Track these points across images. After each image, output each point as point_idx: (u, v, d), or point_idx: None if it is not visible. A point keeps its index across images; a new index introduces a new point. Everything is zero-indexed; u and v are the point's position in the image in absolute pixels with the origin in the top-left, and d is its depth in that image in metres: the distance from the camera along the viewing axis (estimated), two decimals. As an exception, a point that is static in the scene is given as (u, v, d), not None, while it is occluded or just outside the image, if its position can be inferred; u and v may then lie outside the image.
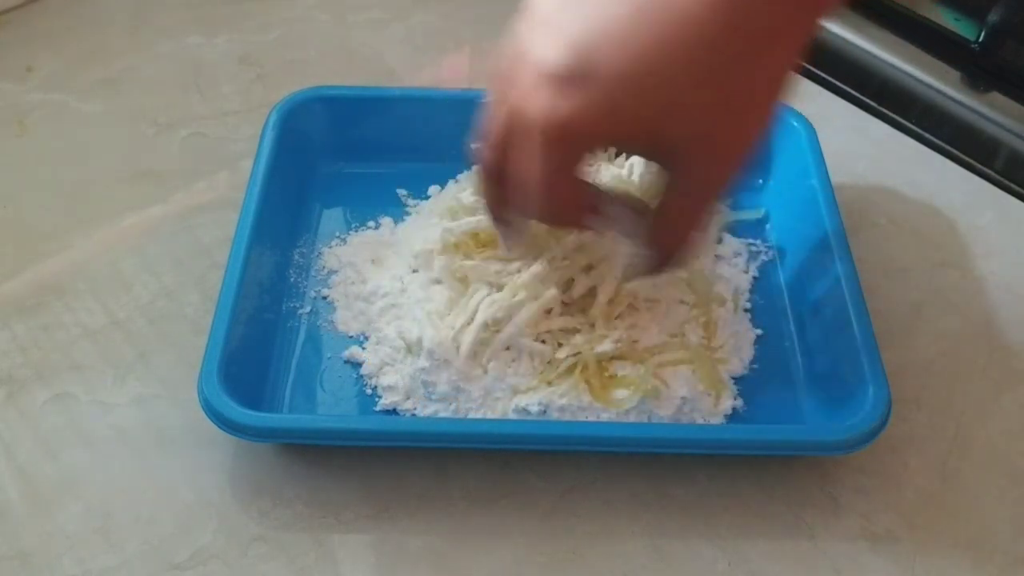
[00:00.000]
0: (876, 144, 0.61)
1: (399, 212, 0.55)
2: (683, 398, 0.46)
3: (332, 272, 0.52)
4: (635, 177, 0.50)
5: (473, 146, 0.41)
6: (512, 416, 0.45)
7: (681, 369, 0.46)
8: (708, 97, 0.35)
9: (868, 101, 0.65)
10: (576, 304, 0.47)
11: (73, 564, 0.42)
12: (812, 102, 0.61)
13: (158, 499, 0.44)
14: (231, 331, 0.45)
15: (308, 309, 0.50)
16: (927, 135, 0.62)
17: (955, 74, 0.65)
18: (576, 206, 0.40)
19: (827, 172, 0.52)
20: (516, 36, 0.37)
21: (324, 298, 0.51)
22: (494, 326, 0.46)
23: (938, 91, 0.65)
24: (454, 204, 0.50)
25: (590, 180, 0.41)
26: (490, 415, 0.45)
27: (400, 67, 0.65)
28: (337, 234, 0.54)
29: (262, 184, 0.51)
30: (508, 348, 0.46)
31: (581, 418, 0.45)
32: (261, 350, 0.48)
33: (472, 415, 0.45)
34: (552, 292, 0.46)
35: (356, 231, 0.54)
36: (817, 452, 0.44)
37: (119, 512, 0.44)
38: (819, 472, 0.45)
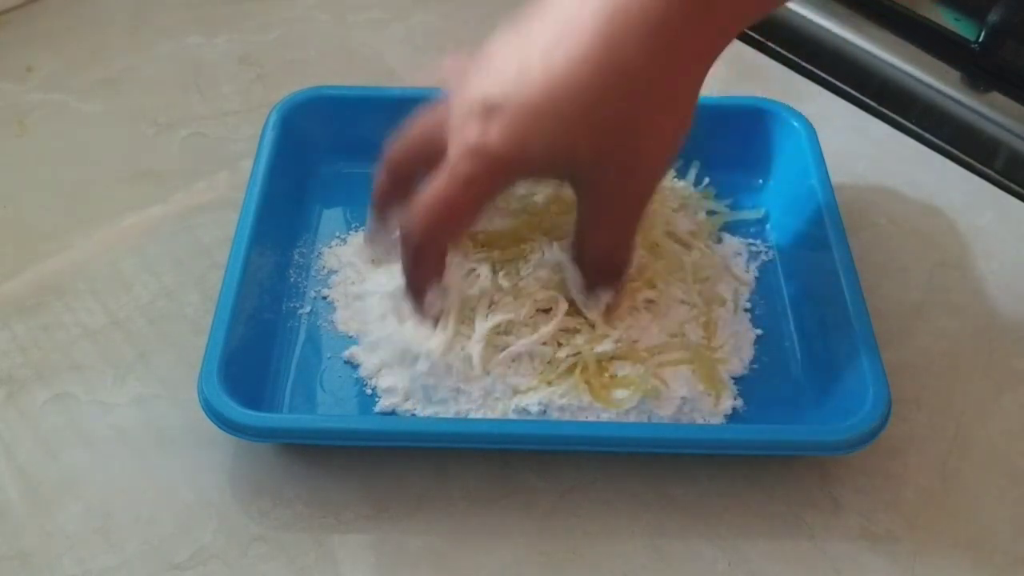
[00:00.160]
0: (876, 144, 0.61)
1: (399, 212, 0.55)
2: (683, 398, 0.46)
3: (332, 272, 0.52)
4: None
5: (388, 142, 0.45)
6: (512, 416, 0.45)
7: (681, 369, 0.46)
8: (600, 128, 0.40)
9: (868, 101, 0.65)
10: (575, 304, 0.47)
11: (73, 564, 0.42)
12: (812, 102, 0.61)
13: (158, 499, 0.44)
14: (231, 331, 0.45)
15: (308, 309, 0.50)
16: (927, 135, 0.62)
17: (955, 74, 0.65)
18: (455, 229, 0.44)
19: (827, 172, 0.52)
20: (465, 78, 0.42)
21: (324, 298, 0.51)
22: (501, 330, 0.46)
23: (938, 91, 0.65)
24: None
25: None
26: (490, 415, 0.45)
27: (400, 67, 0.65)
28: (337, 234, 0.54)
29: (262, 184, 0.51)
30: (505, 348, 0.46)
31: (581, 418, 0.45)
32: (261, 350, 0.48)
33: (472, 415, 0.45)
34: (563, 306, 0.46)
35: (356, 231, 0.54)
36: (817, 452, 0.44)
37: (119, 512, 0.44)
38: (819, 472, 0.45)
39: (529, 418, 0.45)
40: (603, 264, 0.45)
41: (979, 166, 0.61)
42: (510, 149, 0.40)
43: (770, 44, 0.68)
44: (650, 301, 0.48)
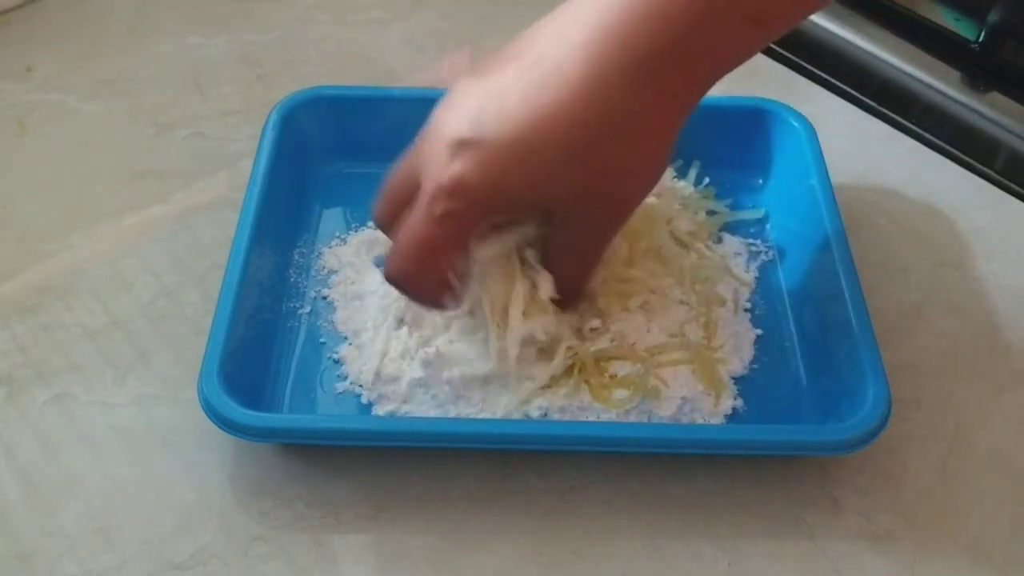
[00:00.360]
0: (876, 144, 0.61)
1: (399, 212, 0.55)
2: (683, 398, 0.46)
3: (332, 272, 0.52)
4: None
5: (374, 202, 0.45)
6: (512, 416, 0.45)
7: (681, 369, 0.46)
8: (583, 169, 0.40)
9: (868, 101, 0.65)
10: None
11: (73, 564, 0.42)
12: (812, 102, 0.61)
13: (158, 499, 0.44)
14: (231, 331, 0.45)
15: (308, 309, 0.50)
16: (927, 135, 0.62)
17: (955, 74, 0.65)
18: (438, 267, 0.43)
19: (827, 172, 0.52)
20: (434, 118, 0.42)
21: (324, 298, 0.51)
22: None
23: (938, 91, 0.65)
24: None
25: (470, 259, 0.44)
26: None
27: (400, 67, 0.65)
28: (337, 234, 0.54)
29: (262, 184, 0.51)
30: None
31: (581, 418, 0.45)
32: (261, 350, 0.48)
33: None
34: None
35: (356, 231, 0.54)
36: (817, 452, 0.44)
37: (119, 512, 0.44)
38: (819, 472, 0.45)
39: (529, 418, 0.45)
40: (566, 286, 0.46)
41: (979, 166, 0.61)
42: (487, 185, 0.40)
43: (770, 44, 0.68)
44: (645, 302, 0.48)
